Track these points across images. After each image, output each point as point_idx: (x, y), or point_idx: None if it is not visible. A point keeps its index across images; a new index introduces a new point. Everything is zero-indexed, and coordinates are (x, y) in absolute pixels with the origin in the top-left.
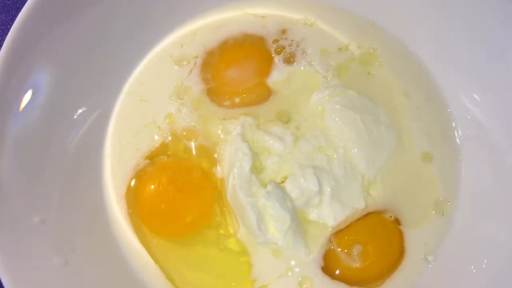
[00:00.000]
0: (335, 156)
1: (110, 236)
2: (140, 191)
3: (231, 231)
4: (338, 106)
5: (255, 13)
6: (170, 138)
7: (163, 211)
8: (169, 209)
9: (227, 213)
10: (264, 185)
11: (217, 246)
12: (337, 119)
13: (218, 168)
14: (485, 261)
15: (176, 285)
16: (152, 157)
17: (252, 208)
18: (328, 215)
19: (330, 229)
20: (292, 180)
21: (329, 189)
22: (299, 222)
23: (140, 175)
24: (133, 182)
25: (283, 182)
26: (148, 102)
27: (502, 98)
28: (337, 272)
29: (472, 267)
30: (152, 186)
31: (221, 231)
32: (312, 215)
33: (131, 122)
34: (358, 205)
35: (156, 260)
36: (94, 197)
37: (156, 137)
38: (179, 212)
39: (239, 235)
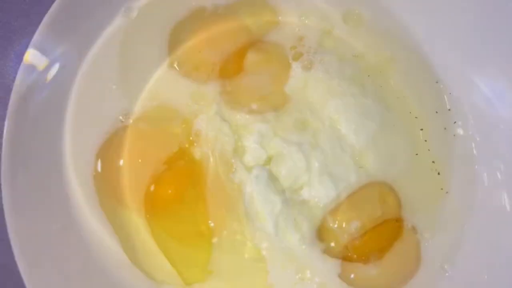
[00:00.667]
0: (321, 128)
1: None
2: (109, 157)
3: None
4: (321, 75)
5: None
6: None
7: (130, 182)
8: (136, 181)
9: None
10: (249, 169)
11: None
12: (320, 88)
13: (196, 148)
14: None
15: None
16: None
17: (237, 193)
18: (320, 192)
19: (323, 208)
20: (278, 160)
21: (317, 164)
22: (290, 205)
23: (111, 138)
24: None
25: (268, 163)
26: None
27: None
28: (353, 278)
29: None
30: (122, 154)
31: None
32: (304, 194)
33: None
34: (350, 178)
35: (120, 236)
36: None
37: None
38: (147, 187)
39: (255, 241)
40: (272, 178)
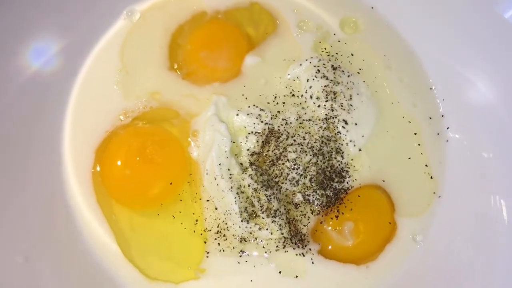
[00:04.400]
0: (316, 130)
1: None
2: (108, 153)
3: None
4: (315, 78)
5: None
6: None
7: (128, 177)
8: (134, 176)
9: (198, 197)
10: (245, 169)
11: (179, 225)
12: (315, 91)
13: (194, 148)
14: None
15: (136, 264)
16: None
17: (234, 194)
18: (312, 199)
19: (316, 211)
20: (272, 164)
21: (313, 171)
22: (285, 207)
23: (110, 137)
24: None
25: (264, 163)
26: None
27: (485, 64)
28: (330, 248)
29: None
30: (121, 150)
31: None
32: (297, 197)
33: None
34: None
35: (115, 232)
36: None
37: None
38: (144, 182)
39: (205, 219)
40: (269, 179)
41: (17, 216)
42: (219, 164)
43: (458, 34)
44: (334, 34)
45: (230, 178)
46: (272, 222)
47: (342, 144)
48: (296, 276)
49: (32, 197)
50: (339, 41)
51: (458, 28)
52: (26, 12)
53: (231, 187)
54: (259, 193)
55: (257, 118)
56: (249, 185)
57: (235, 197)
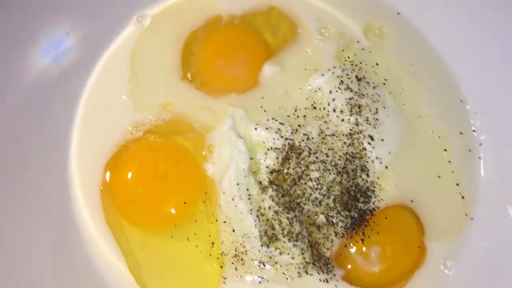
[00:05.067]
0: (339, 146)
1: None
2: (117, 169)
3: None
4: (338, 90)
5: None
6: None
7: (139, 195)
8: (146, 194)
9: (214, 218)
10: (264, 188)
11: (194, 248)
12: (339, 104)
13: (209, 164)
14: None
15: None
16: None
17: (253, 217)
18: (336, 221)
19: (340, 234)
20: (293, 183)
21: (337, 190)
22: (308, 229)
23: (120, 151)
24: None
25: (284, 182)
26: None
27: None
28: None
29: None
30: (131, 166)
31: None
32: (320, 219)
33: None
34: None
35: (125, 254)
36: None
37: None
38: (157, 201)
39: (222, 242)
40: (290, 200)
41: (22, 237)
42: (237, 184)
43: (493, 42)
44: (358, 42)
45: (249, 199)
46: (294, 246)
47: (367, 162)
48: None
49: (37, 217)
50: (363, 49)
51: (493, 36)
52: (33, 19)
53: (251, 210)
54: (280, 216)
55: (276, 132)
56: (269, 207)
57: (255, 220)
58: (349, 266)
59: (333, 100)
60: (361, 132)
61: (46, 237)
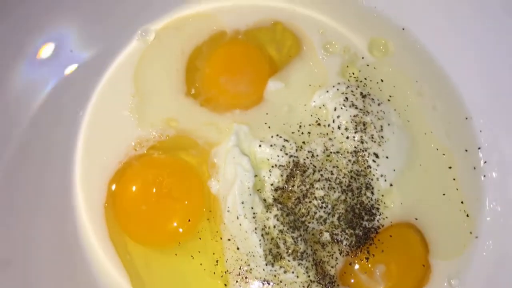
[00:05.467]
0: (344, 163)
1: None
2: (121, 186)
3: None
4: (343, 107)
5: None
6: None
7: (143, 213)
8: (150, 212)
9: (219, 236)
10: (269, 206)
11: (198, 266)
12: (343, 121)
13: (213, 182)
14: None
15: None
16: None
17: (258, 236)
18: (340, 239)
19: (345, 252)
20: (298, 201)
21: (342, 208)
22: (312, 247)
23: (124, 168)
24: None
25: (288, 199)
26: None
27: None
28: None
29: None
30: (135, 183)
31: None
32: (325, 237)
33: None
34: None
35: (129, 272)
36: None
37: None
38: (161, 218)
39: (226, 260)
40: (295, 218)
41: (26, 254)
42: (242, 202)
43: (499, 60)
44: (363, 58)
45: (253, 217)
46: (299, 265)
47: (372, 179)
48: None
49: (41, 234)
50: (368, 65)
51: (499, 54)
52: (37, 36)
53: (255, 228)
54: (285, 235)
55: (281, 150)
56: (274, 226)
57: (260, 239)
58: (353, 284)
59: (338, 117)
60: (366, 150)
61: (50, 254)
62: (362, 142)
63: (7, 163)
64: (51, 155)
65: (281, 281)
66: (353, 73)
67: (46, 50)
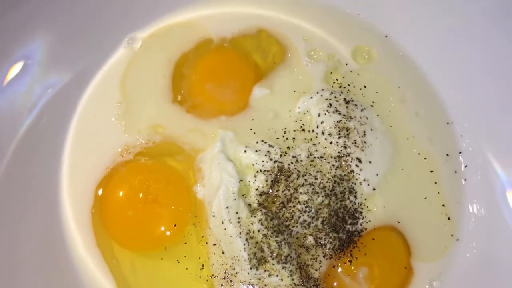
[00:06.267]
0: (328, 168)
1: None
2: (108, 191)
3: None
4: (326, 113)
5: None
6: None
7: (129, 218)
8: (136, 217)
9: (204, 241)
10: (253, 210)
11: (184, 270)
12: (327, 127)
13: (199, 187)
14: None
15: None
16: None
17: (243, 241)
18: (324, 242)
19: (328, 255)
20: (282, 206)
21: (325, 212)
22: (296, 251)
23: (111, 174)
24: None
25: (273, 204)
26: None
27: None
28: None
29: None
30: (122, 188)
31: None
32: (309, 241)
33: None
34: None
35: (116, 277)
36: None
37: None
38: (147, 223)
39: (212, 264)
40: (279, 222)
41: (11, 260)
42: (227, 207)
43: (479, 65)
44: (346, 64)
45: (238, 222)
46: (283, 268)
47: (355, 184)
48: None
49: (27, 240)
50: (351, 71)
51: (480, 59)
52: (23, 43)
53: (240, 233)
54: (269, 239)
55: (266, 155)
56: (258, 231)
57: (244, 244)
58: (337, 287)
59: (322, 123)
60: (349, 155)
61: (36, 260)
62: (345, 147)
63: None
64: (38, 161)
65: (265, 285)
66: (337, 79)
67: (33, 55)
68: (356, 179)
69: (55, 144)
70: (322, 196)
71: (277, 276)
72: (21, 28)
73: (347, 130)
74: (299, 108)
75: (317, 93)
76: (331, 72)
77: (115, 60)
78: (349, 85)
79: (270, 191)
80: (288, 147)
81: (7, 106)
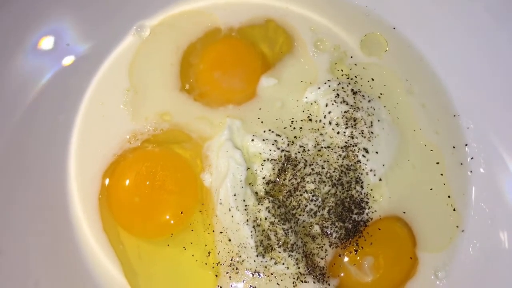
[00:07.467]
0: (335, 158)
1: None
2: (115, 178)
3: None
4: (334, 103)
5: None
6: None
7: (136, 204)
8: (143, 204)
9: (211, 229)
10: (260, 199)
11: (190, 257)
12: (334, 117)
13: (206, 174)
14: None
15: None
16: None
17: (250, 228)
18: (330, 231)
19: (334, 245)
20: (289, 194)
21: (332, 202)
22: (302, 239)
23: (118, 161)
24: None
25: (280, 193)
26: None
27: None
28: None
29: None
30: (129, 175)
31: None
32: (315, 229)
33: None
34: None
35: (122, 262)
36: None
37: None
38: (154, 210)
39: (218, 252)
40: (286, 211)
41: (18, 245)
42: (234, 195)
43: (487, 59)
44: (351, 57)
45: (245, 210)
46: (289, 256)
47: (361, 174)
48: None
49: (34, 225)
50: (358, 63)
51: (487, 52)
52: (33, 29)
53: (247, 220)
54: (276, 227)
55: (273, 144)
56: (265, 218)
57: (251, 231)
58: (342, 276)
59: (329, 113)
60: (356, 145)
61: (43, 245)
62: (352, 137)
63: (1, 154)
64: (46, 147)
65: (271, 273)
66: (343, 70)
67: (44, 44)
68: (363, 169)
69: (63, 130)
70: (329, 186)
71: (283, 264)
72: (27, 15)
73: (354, 121)
74: (306, 98)
75: (325, 83)
76: (336, 63)
77: (124, 48)
78: (356, 76)
79: (277, 180)
80: (295, 137)
81: (13, 90)
